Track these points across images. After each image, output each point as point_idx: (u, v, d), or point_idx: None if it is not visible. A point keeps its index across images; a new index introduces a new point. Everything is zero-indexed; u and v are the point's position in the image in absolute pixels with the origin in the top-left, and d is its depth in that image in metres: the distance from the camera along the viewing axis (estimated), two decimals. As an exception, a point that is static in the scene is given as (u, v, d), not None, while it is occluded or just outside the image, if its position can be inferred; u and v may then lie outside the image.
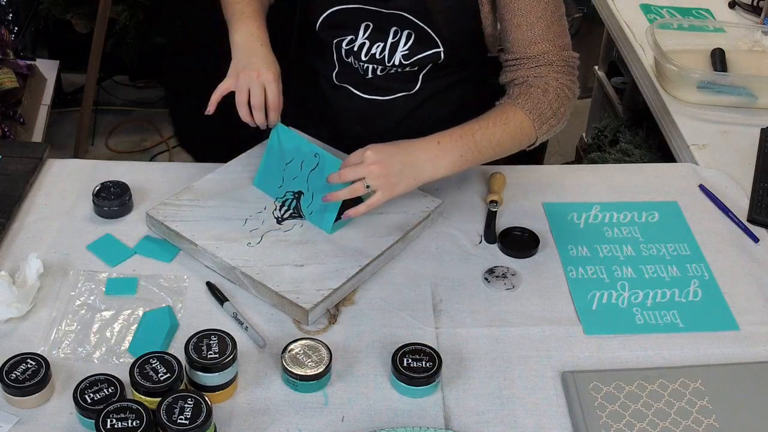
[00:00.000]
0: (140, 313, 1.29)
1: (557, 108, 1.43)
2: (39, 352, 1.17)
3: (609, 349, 1.27)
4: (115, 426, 1.03)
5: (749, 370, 1.24)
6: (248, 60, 1.40)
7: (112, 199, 1.46)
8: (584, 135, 2.90)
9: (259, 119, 1.41)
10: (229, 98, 1.41)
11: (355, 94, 1.59)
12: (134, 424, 1.04)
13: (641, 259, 1.44)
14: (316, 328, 1.28)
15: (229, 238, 1.38)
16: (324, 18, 1.50)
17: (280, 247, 1.37)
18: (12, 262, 1.36)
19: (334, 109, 1.63)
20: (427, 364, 1.18)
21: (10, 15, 3.10)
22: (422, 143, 1.35)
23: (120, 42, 3.15)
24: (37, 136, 2.55)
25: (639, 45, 2.12)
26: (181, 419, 1.04)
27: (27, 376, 1.13)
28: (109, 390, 1.11)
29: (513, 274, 1.39)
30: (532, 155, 1.65)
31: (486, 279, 1.38)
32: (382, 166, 1.30)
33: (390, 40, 1.49)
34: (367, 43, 1.50)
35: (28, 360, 1.15)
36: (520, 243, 1.45)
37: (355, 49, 1.52)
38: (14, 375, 1.13)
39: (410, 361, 1.19)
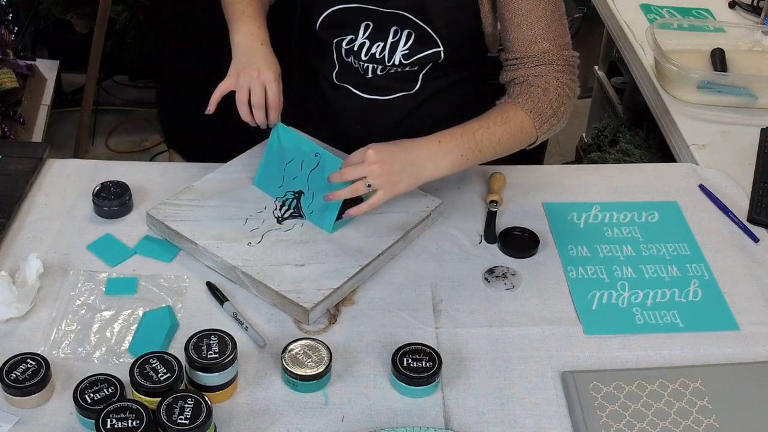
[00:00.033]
0: (140, 313, 1.29)
1: (558, 107, 1.43)
2: (39, 352, 1.17)
3: (609, 349, 1.27)
4: (115, 426, 1.03)
5: (749, 370, 1.24)
6: (249, 59, 1.40)
7: (112, 199, 1.46)
8: (584, 135, 2.90)
9: (260, 118, 1.42)
10: (228, 98, 1.41)
11: (355, 93, 1.59)
12: (134, 424, 1.04)
13: (641, 259, 1.44)
14: (316, 328, 1.28)
15: (230, 238, 1.38)
16: (324, 17, 1.50)
17: (281, 247, 1.37)
18: (12, 262, 1.36)
19: (334, 109, 1.63)
20: (427, 364, 1.18)
21: (10, 15, 3.10)
22: (423, 142, 1.35)
23: (120, 42, 3.15)
24: (37, 136, 2.55)
25: (639, 45, 2.12)
26: (181, 419, 1.04)
27: (27, 376, 1.13)
28: (109, 390, 1.11)
29: (513, 274, 1.39)
30: (532, 155, 1.65)
31: (486, 279, 1.38)
32: (384, 165, 1.30)
33: (390, 40, 1.49)
34: (367, 43, 1.50)
35: (28, 360, 1.15)
36: (520, 243, 1.45)
37: (355, 48, 1.52)
38: (14, 375, 1.13)
39: (410, 361, 1.19)
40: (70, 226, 1.45)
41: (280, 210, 1.45)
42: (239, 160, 1.56)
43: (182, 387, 1.14)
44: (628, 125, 2.39)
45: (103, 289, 1.33)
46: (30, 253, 1.33)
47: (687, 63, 1.87)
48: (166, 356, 1.13)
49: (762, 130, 1.74)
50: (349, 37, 1.51)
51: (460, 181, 1.58)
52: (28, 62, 2.67)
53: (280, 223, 1.42)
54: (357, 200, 1.35)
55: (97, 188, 1.48)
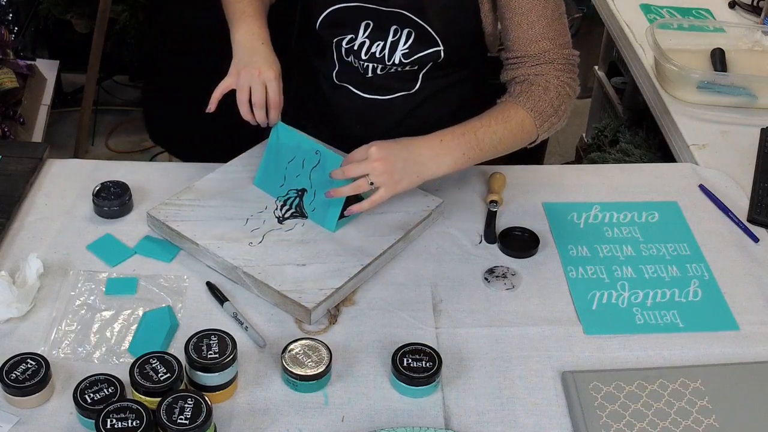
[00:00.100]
0: (140, 313, 1.29)
1: (558, 106, 1.43)
2: (39, 352, 1.17)
3: (609, 349, 1.27)
4: (115, 426, 1.03)
5: (749, 370, 1.24)
6: (249, 58, 1.40)
7: (112, 199, 1.46)
8: (584, 135, 2.90)
9: (260, 117, 1.42)
10: (227, 97, 1.41)
11: (355, 93, 1.59)
12: (134, 424, 1.04)
13: (641, 259, 1.44)
14: (317, 328, 1.28)
15: (231, 238, 1.38)
16: (324, 17, 1.50)
17: (282, 247, 1.37)
18: (12, 262, 1.36)
19: (334, 109, 1.63)
20: (427, 364, 1.18)
21: (10, 15, 3.10)
22: (425, 141, 1.35)
23: (120, 42, 3.15)
24: (37, 136, 2.55)
25: (639, 45, 2.12)
26: (181, 419, 1.04)
27: (27, 376, 1.13)
28: (109, 390, 1.11)
29: (513, 274, 1.39)
30: (532, 155, 1.65)
31: (486, 279, 1.38)
32: (386, 163, 1.30)
33: (390, 39, 1.49)
34: (367, 42, 1.50)
35: (28, 360, 1.15)
36: (520, 243, 1.45)
37: (355, 48, 1.52)
38: (14, 375, 1.13)
39: (410, 361, 1.19)
40: (70, 226, 1.45)
41: (281, 210, 1.45)
42: (239, 160, 1.56)
43: (182, 387, 1.14)
44: (628, 125, 2.39)
45: (103, 289, 1.33)
46: (30, 253, 1.33)
47: (687, 63, 1.87)
48: (166, 356, 1.13)
49: (762, 130, 1.74)
50: (349, 37, 1.51)
51: (460, 181, 1.58)
52: (28, 62, 2.67)
53: (281, 223, 1.42)
54: (357, 198, 1.35)
55: (97, 188, 1.48)
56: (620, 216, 1.53)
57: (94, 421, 1.05)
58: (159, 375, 1.11)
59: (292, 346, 1.20)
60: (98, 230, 1.44)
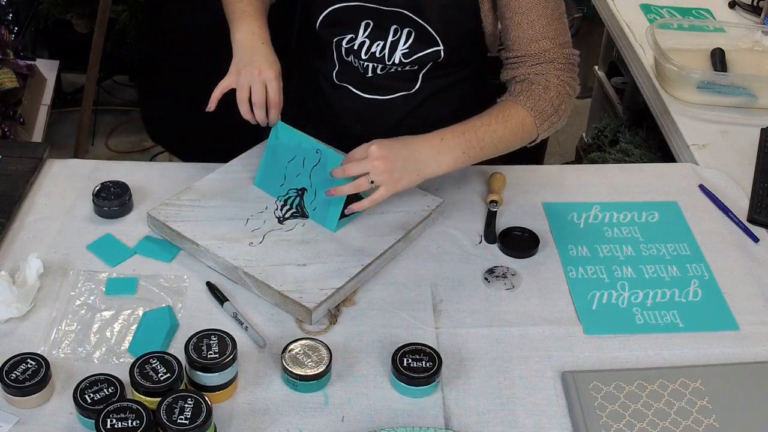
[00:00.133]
0: (140, 313, 1.29)
1: (558, 105, 1.43)
2: (39, 352, 1.17)
3: (609, 349, 1.27)
4: (115, 426, 1.03)
5: (749, 370, 1.24)
6: (249, 58, 1.40)
7: (112, 199, 1.46)
8: (584, 135, 2.90)
9: (260, 116, 1.42)
10: (226, 96, 1.41)
11: (355, 93, 1.59)
12: (134, 424, 1.04)
13: (641, 259, 1.44)
14: (317, 329, 1.28)
15: (231, 238, 1.38)
16: (324, 16, 1.50)
17: (282, 247, 1.37)
18: (12, 262, 1.36)
19: (334, 109, 1.63)
20: (427, 364, 1.18)
21: (10, 15, 3.10)
22: (426, 139, 1.36)
23: (120, 42, 3.15)
24: (37, 136, 2.55)
25: (639, 45, 2.12)
26: (181, 419, 1.04)
27: (27, 376, 1.13)
28: (109, 390, 1.11)
29: (513, 274, 1.39)
30: (533, 155, 1.65)
31: (486, 279, 1.38)
32: (387, 162, 1.30)
33: (390, 39, 1.49)
34: (367, 42, 1.50)
35: (28, 360, 1.15)
36: (520, 243, 1.45)
37: (355, 47, 1.52)
38: (14, 375, 1.13)
39: (410, 361, 1.18)
40: (70, 226, 1.45)
41: (281, 210, 1.45)
42: (240, 160, 1.56)
43: (182, 387, 1.14)
44: (628, 125, 2.39)
45: (103, 289, 1.33)
46: (30, 253, 1.33)
47: (687, 63, 1.87)
48: (166, 356, 1.13)
49: (762, 130, 1.74)
50: (349, 36, 1.51)
51: (460, 181, 1.58)
52: (28, 62, 2.67)
53: (281, 223, 1.42)
54: (357, 197, 1.35)
55: (97, 188, 1.48)
56: (620, 216, 1.53)
57: (94, 421, 1.05)
58: (159, 375, 1.11)
59: (292, 346, 1.20)
60: (98, 230, 1.44)
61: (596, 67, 2.84)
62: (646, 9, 2.29)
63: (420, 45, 1.49)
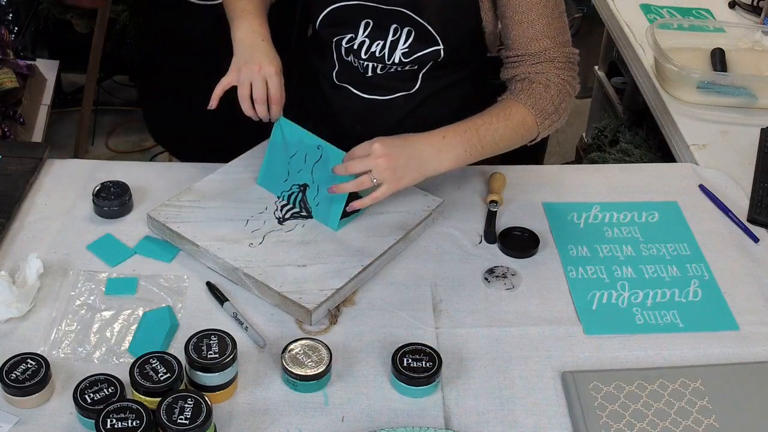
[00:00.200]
0: (140, 313, 1.29)
1: (559, 103, 1.44)
2: (39, 352, 1.17)
3: (609, 349, 1.27)
4: (115, 426, 1.03)
5: (749, 370, 1.24)
6: (250, 55, 1.41)
7: (112, 199, 1.46)
8: (584, 135, 2.90)
9: (261, 112, 1.42)
10: (227, 94, 1.41)
11: (355, 93, 1.59)
12: (134, 424, 1.04)
13: (641, 259, 1.44)
14: (317, 329, 1.28)
15: (231, 239, 1.38)
16: (324, 16, 1.50)
17: (282, 248, 1.37)
18: (12, 262, 1.36)
19: (334, 109, 1.63)
20: (427, 364, 1.18)
21: (10, 15, 3.10)
22: (428, 137, 1.36)
23: (120, 42, 3.15)
24: (37, 136, 2.54)
25: (639, 45, 2.12)
26: (181, 419, 1.04)
27: (27, 376, 1.13)
28: (109, 390, 1.11)
29: (513, 274, 1.39)
30: (533, 155, 1.65)
31: (486, 279, 1.38)
32: (389, 160, 1.30)
33: (390, 38, 1.49)
34: (367, 41, 1.50)
35: (28, 360, 1.15)
36: (520, 243, 1.45)
37: (355, 47, 1.52)
38: (14, 375, 1.13)
39: (410, 361, 1.19)
40: (70, 226, 1.45)
41: (281, 210, 1.45)
42: (240, 161, 1.56)
43: (182, 387, 1.14)
44: (628, 125, 2.39)
45: (103, 289, 1.33)
46: (30, 253, 1.33)
47: (687, 63, 1.87)
48: (166, 356, 1.13)
49: (762, 130, 1.74)
50: (348, 36, 1.51)
51: (460, 181, 1.58)
52: (28, 62, 2.66)
53: (281, 224, 1.42)
54: (356, 193, 1.36)
55: (97, 188, 1.48)
56: (620, 216, 1.53)
57: (94, 421, 1.05)
58: (159, 375, 1.11)
59: (292, 346, 1.20)
60: (98, 230, 1.44)
61: (596, 67, 2.84)
62: (646, 9, 2.29)
63: (420, 44, 1.49)
